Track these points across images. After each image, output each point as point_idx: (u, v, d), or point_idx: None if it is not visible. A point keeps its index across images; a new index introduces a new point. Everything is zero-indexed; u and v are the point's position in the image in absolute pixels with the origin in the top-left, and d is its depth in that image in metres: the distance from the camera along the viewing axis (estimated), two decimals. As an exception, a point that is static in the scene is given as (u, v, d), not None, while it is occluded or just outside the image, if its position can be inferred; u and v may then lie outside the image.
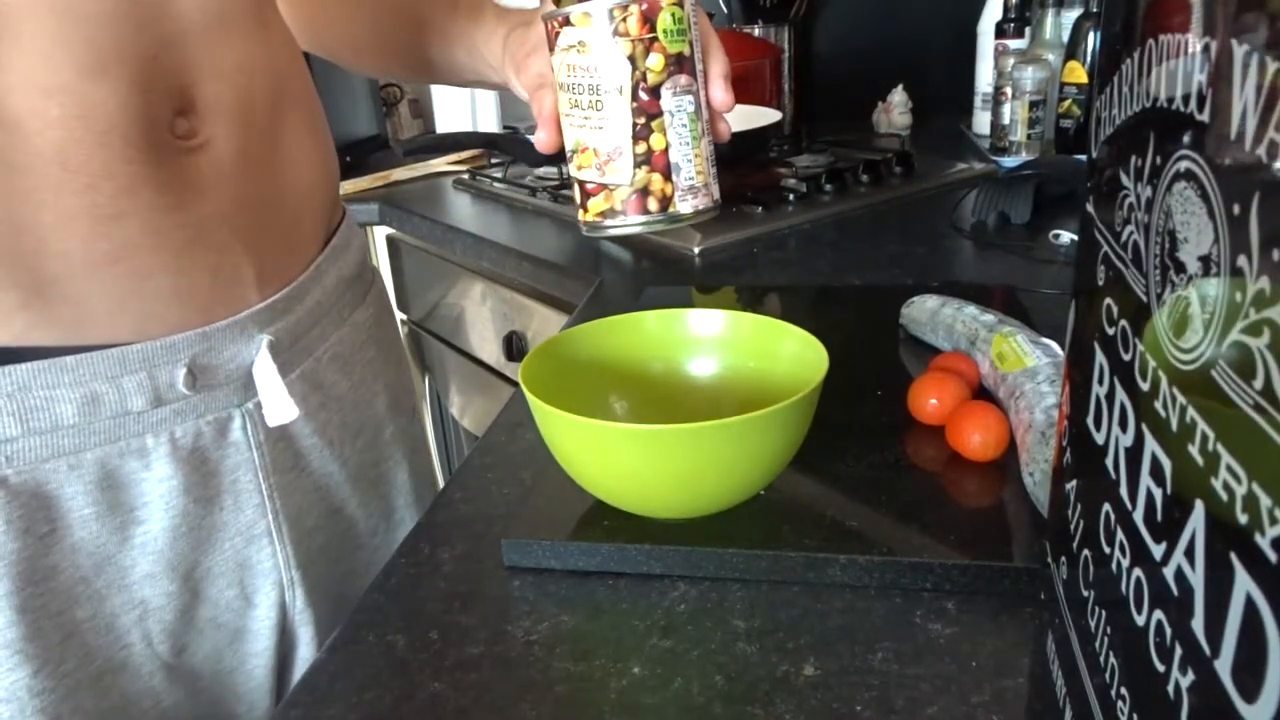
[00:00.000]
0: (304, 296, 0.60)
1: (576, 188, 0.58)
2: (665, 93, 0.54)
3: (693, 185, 0.56)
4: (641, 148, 0.55)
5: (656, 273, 0.99)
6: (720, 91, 0.57)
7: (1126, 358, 0.23)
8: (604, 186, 0.56)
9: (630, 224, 0.56)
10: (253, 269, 0.55)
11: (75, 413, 0.48)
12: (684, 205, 0.56)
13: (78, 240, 0.46)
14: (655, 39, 0.53)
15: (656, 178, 0.55)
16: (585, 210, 0.58)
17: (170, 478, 0.52)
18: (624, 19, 0.53)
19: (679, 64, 0.55)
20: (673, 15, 0.54)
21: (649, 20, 0.53)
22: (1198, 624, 0.18)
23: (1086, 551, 0.26)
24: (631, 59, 0.53)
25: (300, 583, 0.60)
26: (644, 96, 0.54)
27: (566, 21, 0.54)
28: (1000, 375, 0.59)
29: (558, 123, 0.58)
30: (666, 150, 0.55)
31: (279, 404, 0.55)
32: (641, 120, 0.54)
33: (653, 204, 0.56)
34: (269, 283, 0.56)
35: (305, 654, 0.62)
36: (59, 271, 0.46)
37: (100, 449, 0.49)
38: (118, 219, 0.47)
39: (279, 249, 0.58)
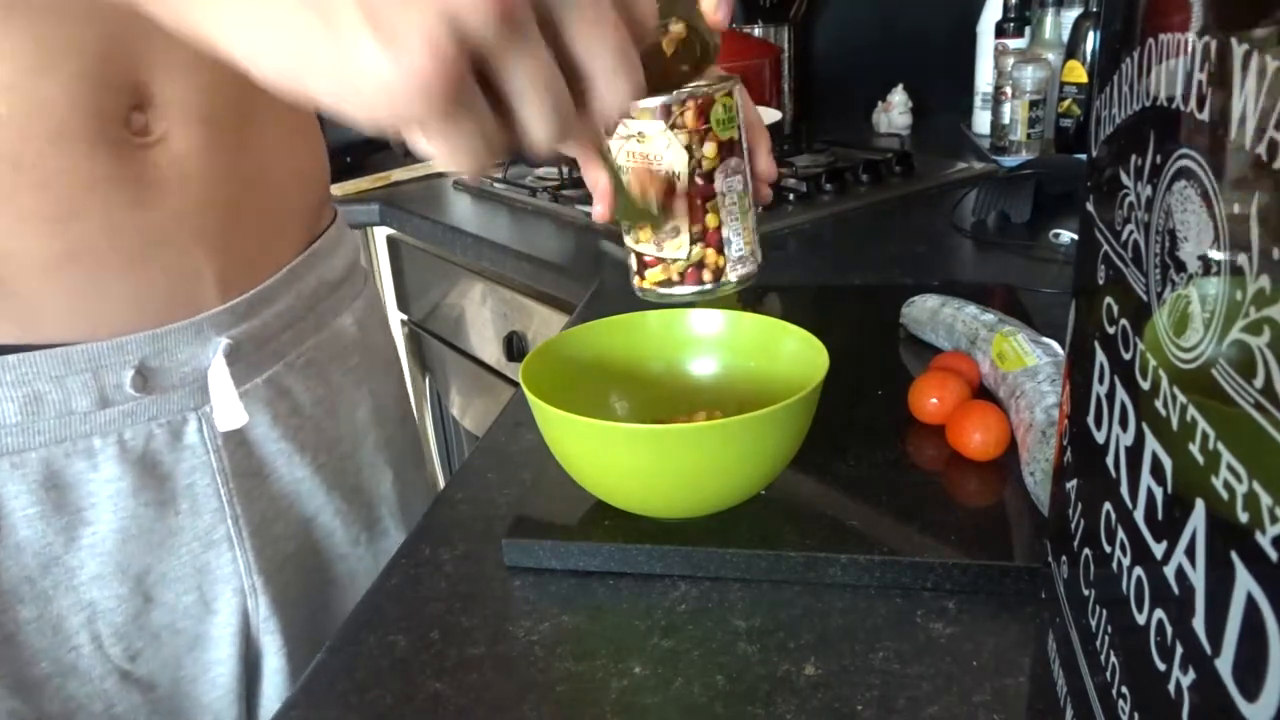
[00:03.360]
0: (274, 300, 0.58)
1: (633, 256, 0.61)
2: (718, 176, 0.58)
3: (741, 255, 0.60)
4: (697, 227, 0.58)
5: (656, 273, 0.98)
6: (765, 164, 0.61)
7: (1127, 357, 0.23)
8: (661, 260, 0.60)
9: (686, 294, 0.61)
10: (213, 271, 0.54)
11: (17, 411, 0.48)
12: (733, 274, 0.60)
13: (32, 239, 0.46)
14: (709, 129, 0.56)
15: (710, 252, 0.59)
16: (642, 278, 0.61)
17: (119, 479, 0.51)
18: (681, 113, 0.56)
19: (730, 148, 0.58)
20: (724, 106, 0.57)
21: (704, 112, 0.56)
22: (1199, 623, 0.18)
23: (1087, 550, 0.26)
24: (689, 148, 0.56)
25: (263, 590, 0.59)
26: (699, 182, 0.57)
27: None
28: (1001, 374, 0.59)
29: (612, 198, 0.58)
30: (719, 228, 0.59)
31: (229, 409, 0.54)
32: (697, 202, 0.58)
33: (707, 275, 0.60)
34: (232, 285, 0.55)
35: (273, 664, 0.61)
36: (11, 271, 0.46)
37: (45, 449, 0.49)
38: (74, 218, 0.46)
39: (247, 251, 0.56)
